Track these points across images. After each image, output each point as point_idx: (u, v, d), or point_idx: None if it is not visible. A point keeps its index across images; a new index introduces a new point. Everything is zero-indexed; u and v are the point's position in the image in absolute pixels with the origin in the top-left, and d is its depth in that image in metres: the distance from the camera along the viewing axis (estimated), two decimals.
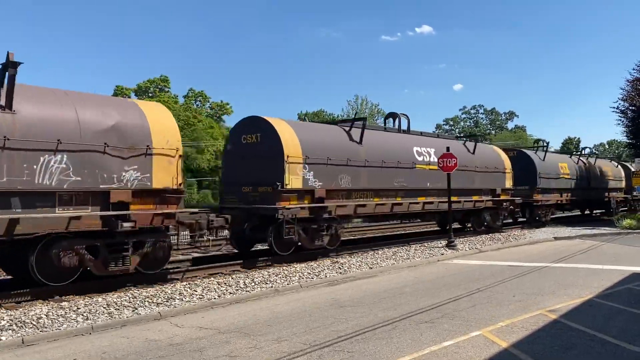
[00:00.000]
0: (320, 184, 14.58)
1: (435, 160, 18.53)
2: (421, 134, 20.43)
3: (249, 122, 15.30)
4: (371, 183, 16.21)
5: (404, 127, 19.79)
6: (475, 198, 20.76)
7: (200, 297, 9.81)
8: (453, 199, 18.71)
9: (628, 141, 34.22)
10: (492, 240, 19.35)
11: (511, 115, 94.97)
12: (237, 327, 7.78)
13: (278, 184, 13.56)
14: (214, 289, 10.45)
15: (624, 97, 30.89)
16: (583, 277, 11.47)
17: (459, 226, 23.29)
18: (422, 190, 18.18)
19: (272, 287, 10.76)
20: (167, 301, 9.42)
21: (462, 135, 21.86)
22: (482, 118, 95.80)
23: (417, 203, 17.91)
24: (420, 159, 18.23)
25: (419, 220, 24.29)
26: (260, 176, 14.07)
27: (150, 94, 56.01)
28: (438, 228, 23.72)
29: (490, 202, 21.65)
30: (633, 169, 31.56)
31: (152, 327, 7.89)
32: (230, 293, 10.18)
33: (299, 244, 14.44)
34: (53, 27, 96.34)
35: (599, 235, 21.28)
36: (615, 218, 26.28)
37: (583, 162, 31.52)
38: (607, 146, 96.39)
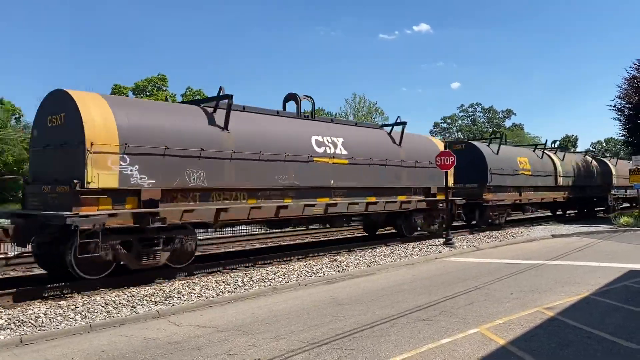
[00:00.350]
0: (151, 181, 10.94)
1: (344, 152, 15.39)
2: (332, 120, 17.07)
3: (54, 99, 11.36)
4: (242, 180, 12.66)
5: (307, 112, 16.33)
6: (401, 198, 17.35)
7: (199, 295, 9.82)
8: (370, 199, 16.15)
9: (625, 139, 34.29)
10: (489, 238, 19.40)
11: (509, 113, 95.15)
12: (235, 325, 7.80)
13: (76, 181, 9.94)
14: (213, 287, 10.46)
15: (621, 95, 31.05)
16: (580, 275, 11.51)
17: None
18: (324, 189, 14.72)
19: (270, 285, 10.78)
20: (165, 300, 9.43)
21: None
22: (479, 116, 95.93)
23: (316, 205, 14.47)
24: (320, 150, 14.68)
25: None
26: (61, 171, 10.66)
27: (148, 93, 55.90)
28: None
29: (423, 203, 18.36)
30: (631, 166, 29.61)
31: (150, 326, 7.90)
32: (229, 291, 10.19)
33: (122, 263, 10.95)
34: (50, 25, 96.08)
35: (595, 233, 21.36)
36: (613, 216, 26.27)
37: (549, 156, 28.04)
38: (604, 144, 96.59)
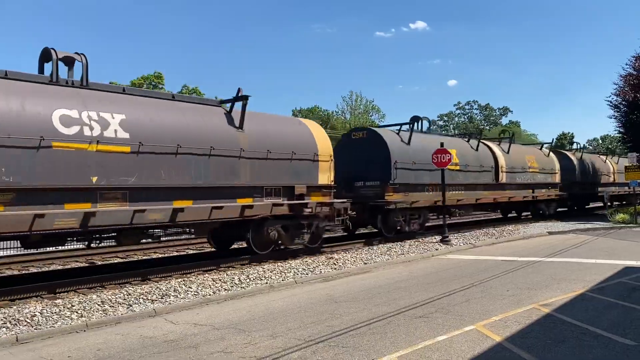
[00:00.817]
0: None
1: (123, 135, 10.59)
2: (124, 90, 11.73)
3: None
4: None
5: (76, 76, 11.12)
6: (244, 202, 12.84)
7: (195, 293, 9.82)
8: (183, 203, 11.56)
9: (621, 135, 34.41)
10: (486, 235, 19.47)
11: (505, 110, 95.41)
12: (232, 323, 7.80)
13: None
14: (209, 285, 10.46)
15: (617, 92, 31.19)
16: (576, 272, 11.55)
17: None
18: (80, 190, 9.97)
19: (267, 283, 10.78)
20: (161, 298, 9.42)
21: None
22: (476, 114, 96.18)
23: (60, 215, 9.63)
24: (70, 131, 9.87)
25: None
26: None
27: None
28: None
29: (284, 208, 13.73)
30: (626, 163, 26.38)
31: (146, 324, 7.89)
32: (225, 289, 10.19)
33: None
34: (46, 23, 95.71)
35: (592, 230, 21.43)
36: (609, 212, 26.35)
37: (489, 148, 23.27)
38: (600, 141, 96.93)
